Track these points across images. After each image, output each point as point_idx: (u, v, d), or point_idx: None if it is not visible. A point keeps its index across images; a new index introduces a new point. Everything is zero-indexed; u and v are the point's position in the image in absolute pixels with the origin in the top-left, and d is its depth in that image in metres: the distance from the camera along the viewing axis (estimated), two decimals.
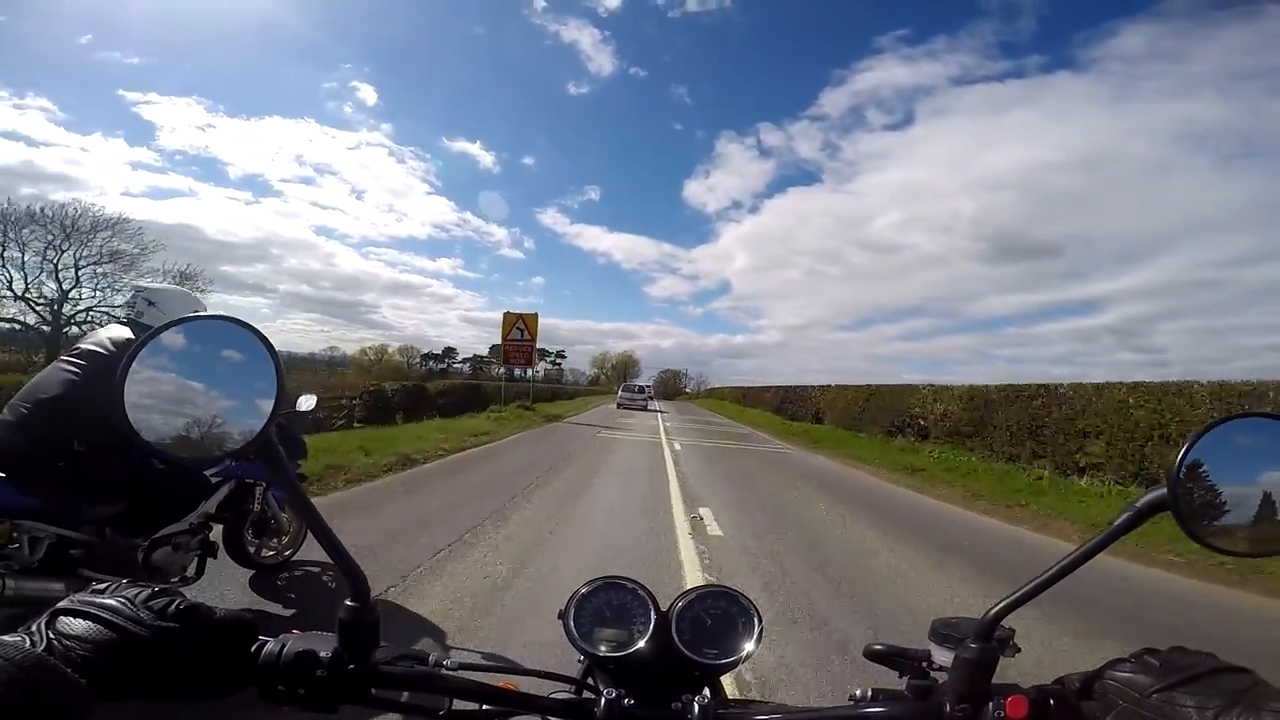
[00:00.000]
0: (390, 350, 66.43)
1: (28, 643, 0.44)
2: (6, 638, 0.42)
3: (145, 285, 2.98)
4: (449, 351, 78.50)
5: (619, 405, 31.40)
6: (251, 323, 0.48)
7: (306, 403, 3.63)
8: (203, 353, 0.49)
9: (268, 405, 0.47)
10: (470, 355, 77.04)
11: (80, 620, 0.47)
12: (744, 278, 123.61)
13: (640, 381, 44.96)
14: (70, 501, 2.41)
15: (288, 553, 3.67)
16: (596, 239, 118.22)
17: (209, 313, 0.49)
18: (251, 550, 3.46)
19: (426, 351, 75.50)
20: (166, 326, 0.48)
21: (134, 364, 0.47)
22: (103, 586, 0.51)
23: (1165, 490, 0.48)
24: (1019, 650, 0.59)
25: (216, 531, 3.14)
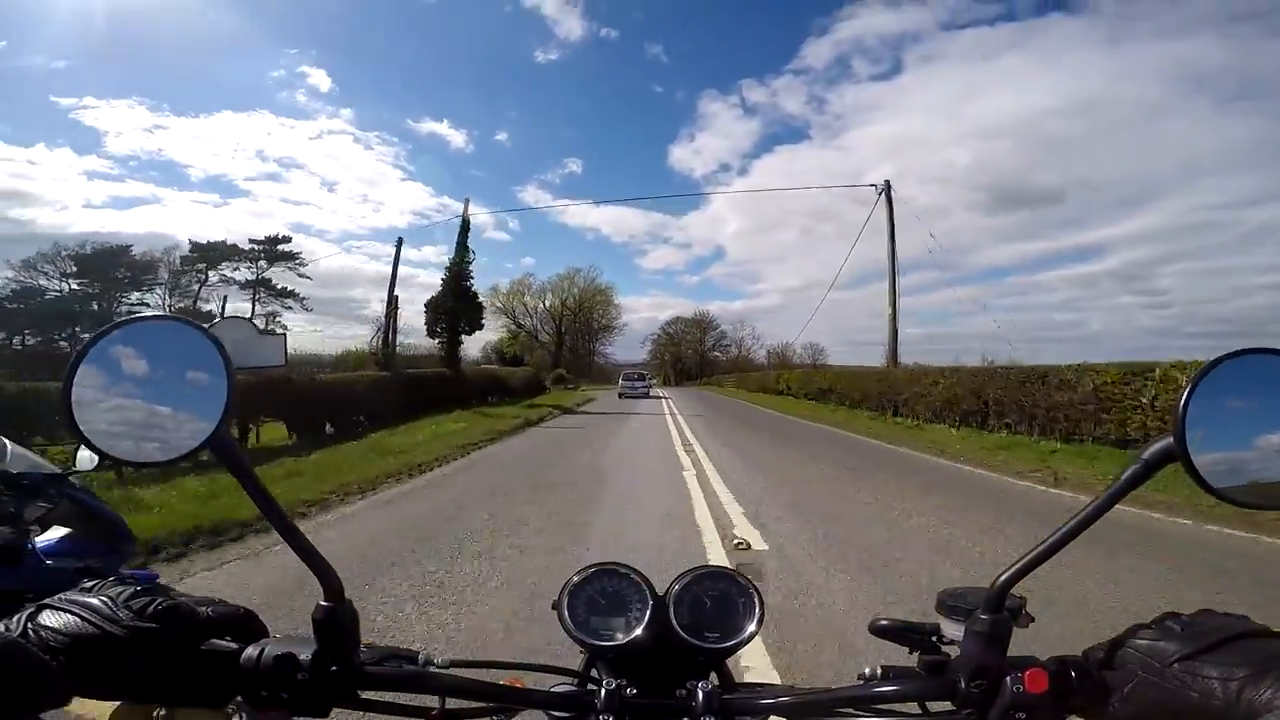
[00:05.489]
0: None
1: (2, 628, 0.45)
2: None
3: None
4: None
5: (620, 395, 30.71)
6: (197, 322, 0.48)
7: (87, 462, 2.30)
8: (150, 354, 0.47)
9: (219, 404, 0.46)
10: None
11: (59, 614, 0.48)
12: (738, 242, 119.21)
13: (640, 369, 42.04)
14: None
15: None
16: (583, 214, 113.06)
17: (155, 313, 0.48)
18: None
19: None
20: (113, 327, 0.47)
21: (80, 367, 0.46)
22: (90, 585, 0.52)
23: (1171, 439, 0.44)
24: (1032, 620, 0.57)
25: None
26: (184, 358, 0.47)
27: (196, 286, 40.55)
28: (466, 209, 24.71)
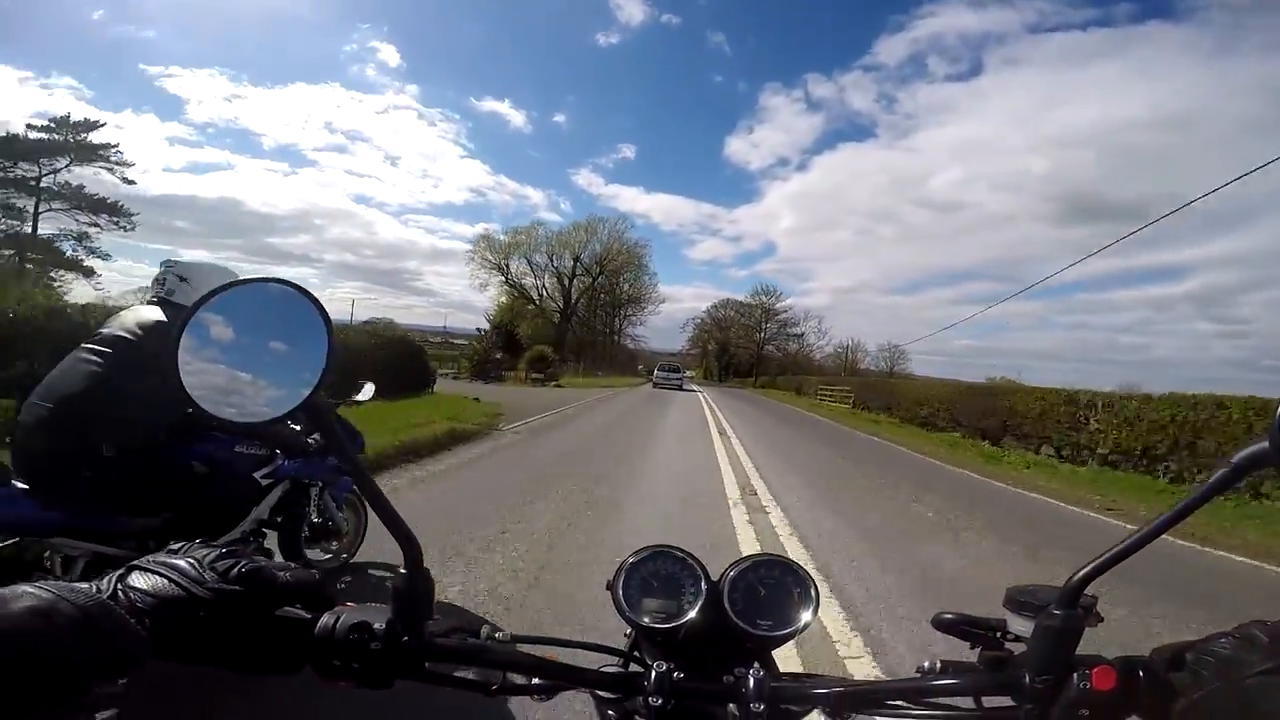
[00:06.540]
0: None
1: (94, 589, 0.45)
2: (77, 584, 0.43)
3: (176, 260, 2.54)
4: None
5: (655, 385, 31.21)
6: (300, 284, 0.48)
7: (365, 392, 3.48)
8: (253, 317, 0.49)
9: (318, 367, 0.47)
10: None
11: (148, 576, 0.49)
12: (790, 239, 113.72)
13: (676, 361, 40.05)
14: (105, 514, 2.14)
15: (344, 556, 3.45)
16: (634, 200, 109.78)
17: (258, 276, 0.50)
18: (308, 555, 3.20)
19: None
20: (216, 292, 0.48)
21: (185, 332, 0.47)
22: (177, 547, 0.53)
23: (1267, 443, 0.42)
24: (1102, 619, 0.55)
25: (271, 539, 2.99)
26: (285, 320, 0.48)
27: None
28: None
